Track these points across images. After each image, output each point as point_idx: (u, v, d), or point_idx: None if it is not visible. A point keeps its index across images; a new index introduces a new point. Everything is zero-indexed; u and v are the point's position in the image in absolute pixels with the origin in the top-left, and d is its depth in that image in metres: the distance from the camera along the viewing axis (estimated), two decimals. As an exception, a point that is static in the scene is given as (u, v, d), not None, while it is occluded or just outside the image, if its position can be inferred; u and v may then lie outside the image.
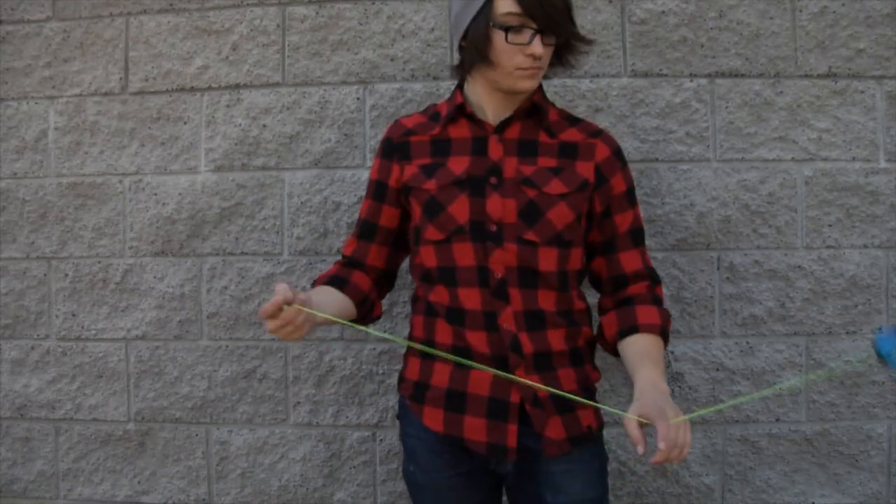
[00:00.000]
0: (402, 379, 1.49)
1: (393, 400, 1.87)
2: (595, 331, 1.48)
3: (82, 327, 1.95)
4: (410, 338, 1.48)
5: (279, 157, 1.87)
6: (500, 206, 1.35)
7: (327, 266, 1.85)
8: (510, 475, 1.41)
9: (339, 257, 1.85)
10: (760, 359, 1.82)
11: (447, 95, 1.82)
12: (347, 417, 1.88)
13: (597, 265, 1.45)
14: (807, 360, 1.82)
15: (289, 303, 1.20)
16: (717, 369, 1.82)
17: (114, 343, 1.94)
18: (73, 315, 1.96)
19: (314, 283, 1.48)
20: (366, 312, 1.49)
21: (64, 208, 1.95)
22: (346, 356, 1.88)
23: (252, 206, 1.88)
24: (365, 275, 1.49)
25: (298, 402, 1.89)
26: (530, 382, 1.32)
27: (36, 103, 1.95)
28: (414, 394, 1.44)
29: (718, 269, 1.81)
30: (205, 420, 1.92)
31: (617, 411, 1.31)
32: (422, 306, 1.44)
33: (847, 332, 1.82)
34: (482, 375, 1.36)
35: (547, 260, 1.35)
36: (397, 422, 1.70)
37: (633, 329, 1.37)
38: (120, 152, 1.93)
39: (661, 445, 1.13)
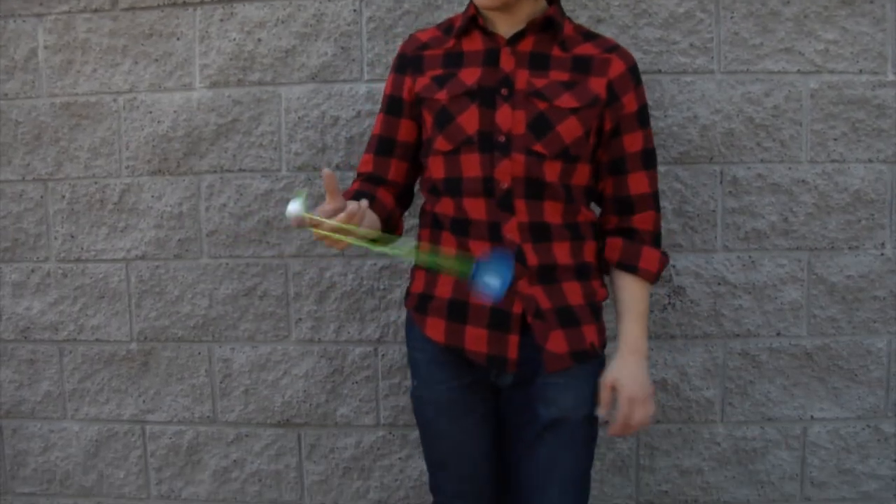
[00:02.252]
0: (408, 293, 1.57)
1: (394, 315, 1.96)
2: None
3: (82, 248, 2.02)
4: (418, 252, 1.54)
5: (275, 72, 1.91)
6: (509, 118, 1.39)
7: (326, 182, 1.92)
8: (507, 387, 1.49)
9: (338, 171, 1.91)
10: (762, 273, 1.89)
11: (445, 7, 1.85)
12: (349, 333, 1.97)
13: (602, 184, 1.50)
14: (808, 274, 1.89)
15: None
16: (719, 283, 1.89)
17: (114, 263, 2.02)
18: (72, 237, 2.03)
19: None
20: (390, 230, 1.53)
21: (58, 129, 2.00)
22: (346, 272, 1.96)
23: (249, 122, 1.93)
24: (387, 191, 1.53)
25: (300, 319, 1.98)
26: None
27: (24, 21, 1.98)
28: (418, 305, 1.51)
29: (721, 182, 1.87)
30: (207, 338, 2.01)
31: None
32: (428, 219, 1.50)
33: (850, 248, 1.88)
34: None
35: (552, 172, 1.40)
36: (400, 337, 1.78)
37: (632, 269, 1.47)
38: (113, 70, 1.97)
39: (613, 430, 1.47)
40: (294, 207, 1.24)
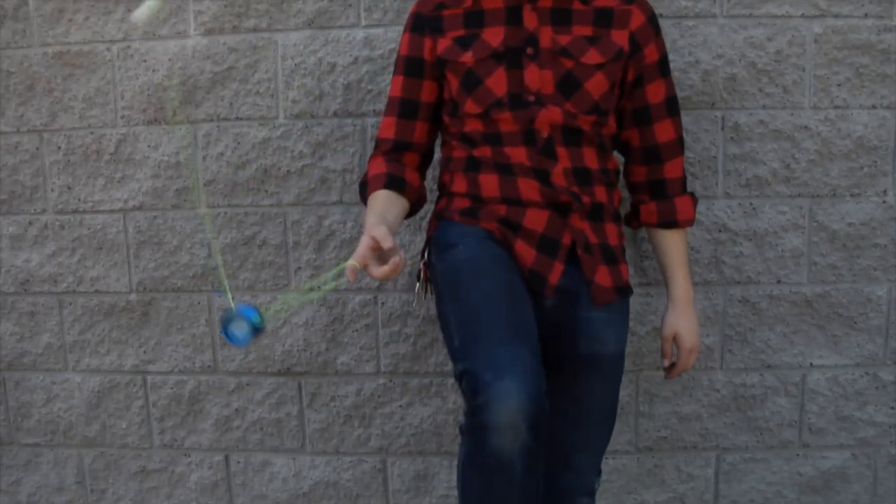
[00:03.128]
0: (443, 210, 1.53)
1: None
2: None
3: (79, 200, 2.04)
4: (449, 195, 1.53)
5: (271, 18, 1.91)
6: (537, 78, 1.42)
7: (324, 129, 1.94)
8: (545, 318, 1.45)
9: (336, 119, 1.92)
10: (763, 220, 1.91)
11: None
12: (348, 281, 1.99)
13: (628, 135, 1.56)
14: (810, 221, 1.91)
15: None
16: (720, 230, 1.91)
17: (111, 214, 2.04)
18: (69, 188, 2.04)
19: (369, 183, 1.51)
20: (417, 207, 1.59)
21: (51, 79, 2.00)
22: (345, 220, 1.97)
23: (245, 69, 1.93)
24: (414, 157, 1.55)
25: (299, 268, 2.00)
26: None
27: (13, -32, 1.98)
28: (465, 211, 1.49)
29: (723, 128, 1.88)
30: (206, 288, 2.04)
31: None
32: (460, 163, 1.50)
33: (851, 195, 1.90)
34: (538, 215, 1.45)
35: (586, 124, 1.45)
36: (400, 285, 1.80)
37: (672, 224, 1.58)
38: (106, 18, 1.96)
39: (672, 375, 1.67)
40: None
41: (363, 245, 1.28)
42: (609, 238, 1.50)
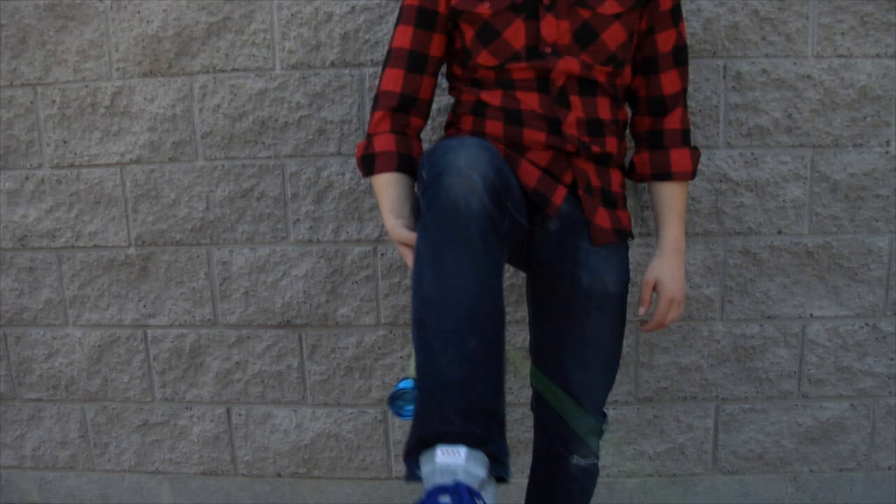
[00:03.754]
0: (454, 123, 1.54)
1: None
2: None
3: (75, 154, 2.04)
4: (457, 130, 1.53)
5: (266, -33, 1.89)
6: (554, 29, 1.41)
7: (321, 80, 1.92)
8: (545, 245, 1.48)
9: (334, 69, 1.90)
10: (765, 170, 1.91)
11: None
12: (348, 233, 2.00)
13: (636, 83, 1.55)
14: (812, 172, 1.91)
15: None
16: (721, 181, 1.91)
17: (108, 168, 2.04)
18: (65, 142, 2.04)
19: (377, 158, 1.46)
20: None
21: (44, 31, 1.98)
22: (344, 171, 1.97)
23: (240, 20, 1.92)
24: (417, 118, 1.52)
25: (298, 220, 2.01)
26: None
27: (4, -83, 1.95)
28: (473, 132, 1.49)
29: (725, 77, 1.87)
30: (205, 241, 2.04)
31: None
32: (468, 107, 1.49)
33: (854, 145, 1.89)
34: (542, 155, 1.44)
35: (601, 75, 1.44)
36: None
37: (665, 176, 1.55)
38: (98, -32, 1.94)
39: (649, 326, 1.60)
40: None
41: (405, 254, 1.39)
42: (612, 184, 1.51)
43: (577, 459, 1.58)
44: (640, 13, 1.46)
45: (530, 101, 1.43)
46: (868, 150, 1.90)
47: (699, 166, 1.91)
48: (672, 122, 1.55)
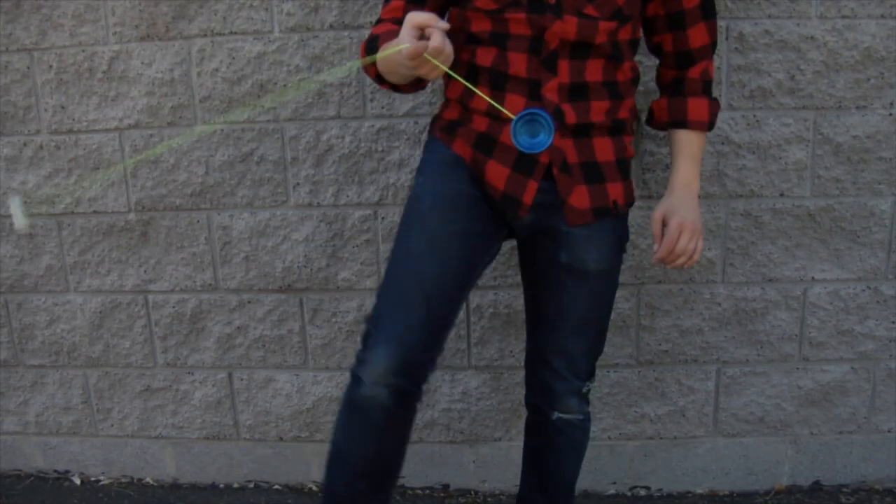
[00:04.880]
0: (437, 118, 1.57)
1: (393, 177, 1.99)
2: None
3: (73, 119, 2.04)
4: (446, 100, 1.55)
5: (263, -74, 1.88)
6: None
7: (320, 43, 1.92)
8: (524, 229, 1.52)
9: (332, 31, 1.90)
10: (767, 133, 1.91)
11: None
12: (348, 196, 2.01)
13: (660, 38, 1.53)
14: (814, 134, 1.91)
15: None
16: (723, 143, 1.91)
17: (107, 133, 2.04)
18: (63, 108, 2.04)
19: (380, 37, 1.42)
20: (420, 81, 1.48)
21: (40, -5, 1.98)
22: (343, 134, 1.98)
23: (238, -19, 1.91)
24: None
25: (298, 184, 2.02)
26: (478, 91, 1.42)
27: None
28: (446, 127, 1.51)
29: (727, 38, 1.86)
30: (205, 206, 2.05)
31: None
32: (461, 70, 1.47)
33: (857, 107, 1.89)
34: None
35: (603, 33, 1.40)
36: (400, 199, 1.81)
37: (681, 124, 1.54)
38: (93, -71, 1.93)
39: (659, 253, 1.52)
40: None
41: (404, 31, 1.28)
42: (598, 154, 1.46)
43: (558, 415, 1.63)
44: None
45: (518, 63, 1.41)
46: (871, 113, 1.89)
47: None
48: (695, 72, 1.53)
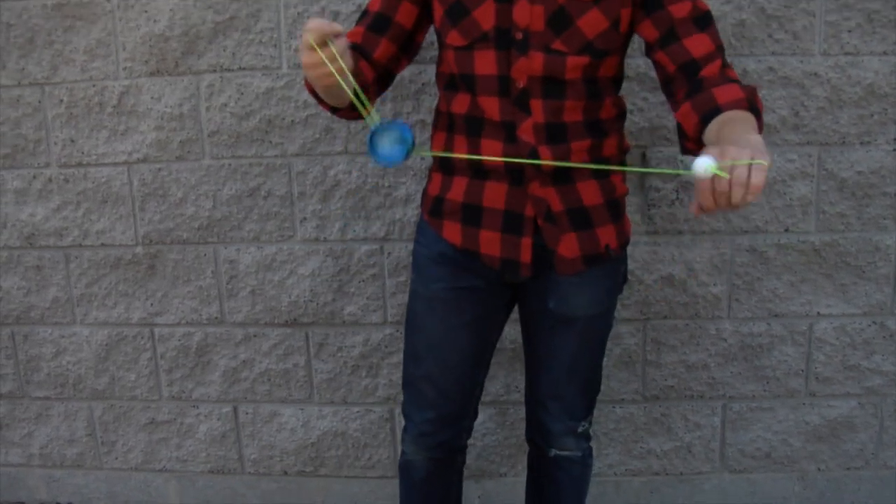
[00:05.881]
0: (424, 194, 1.58)
1: (400, 212, 1.99)
2: (624, 141, 1.51)
3: (82, 153, 2.05)
4: (430, 172, 1.56)
5: (273, -35, 1.90)
6: (527, 13, 1.33)
7: (328, 79, 1.93)
8: (524, 286, 1.53)
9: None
10: (772, 168, 1.91)
11: None
12: (354, 231, 2.01)
13: (660, 58, 1.36)
14: (819, 170, 1.91)
15: (336, 35, 1.15)
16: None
17: (116, 167, 2.05)
18: (72, 141, 2.05)
19: None
20: (377, 88, 1.47)
21: (52, 31, 2.00)
22: (350, 170, 1.98)
23: (247, 18, 1.93)
24: (370, 67, 1.48)
25: (305, 218, 2.02)
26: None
27: (12, -83, 1.96)
28: (432, 209, 1.52)
29: (731, 75, 1.87)
30: (212, 239, 2.06)
31: (664, 170, 1.42)
32: (443, 121, 1.48)
33: (861, 143, 1.90)
34: (497, 188, 1.41)
35: (575, 69, 1.35)
36: (406, 234, 1.81)
37: (715, 111, 1.23)
38: (105, -33, 1.96)
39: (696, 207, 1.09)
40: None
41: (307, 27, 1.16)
42: (584, 199, 1.42)
43: (555, 452, 1.63)
44: None
45: (491, 106, 1.38)
46: (875, 148, 1.90)
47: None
48: (708, 71, 1.31)
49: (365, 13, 1.49)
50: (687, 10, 1.34)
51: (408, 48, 1.51)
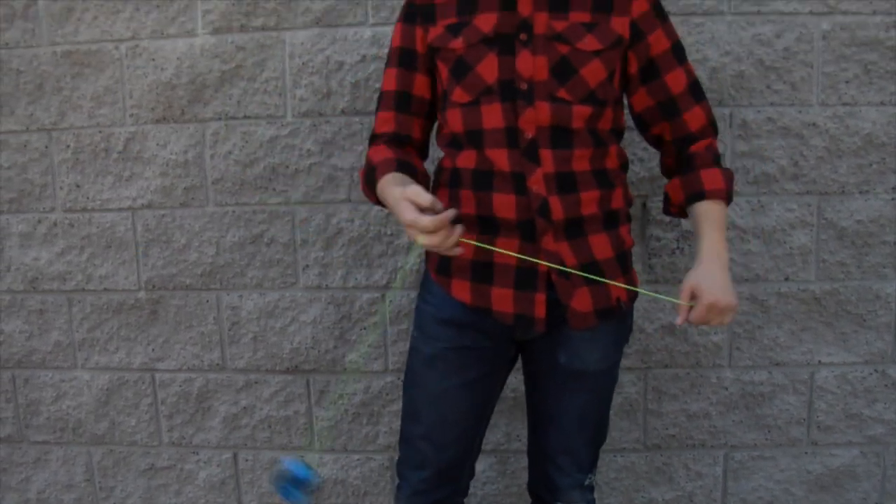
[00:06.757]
0: (428, 251, 1.54)
1: (402, 260, 1.99)
2: (628, 192, 1.53)
3: (87, 198, 2.05)
4: None
5: (278, 17, 1.92)
6: (530, 64, 1.35)
7: (332, 128, 1.95)
8: (531, 342, 1.51)
9: (344, 117, 1.93)
10: (771, 217, 1.91)
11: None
12: (356, 279, 2.01)
13: (659, 129, 1.48)
14: (818, 219, 1.91)
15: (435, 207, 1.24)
16: (729, 228, 1.91)
17: (120, 213, 2.05)
18: (78, 186, 2.05)
19: (377, 168, 1.43)
20: None
21: (60, 78, 2.01)
22: (353, 218, 1.98)
23: (253, 68, 1.94)
24: (415, 152, 1.51)
25: (307, 266, 2.01)
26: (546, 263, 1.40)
27: (23, -32, 1.99)
28: (439, 267, 1.48)
29: (731, 125, 1.88)
30: (215, 286, 2.05)
31: (655, 294, 1.48)
32: (447, 176, 1.48)
33: (860, 192, 1.90)
34: (508, 245, 1.39)
35: (580, 118, 1.37)
36: (408, 283, 1.80)
37: (699, 196, 1.42)
38: (114, 17, 1.98)
39: (680, 321, 1.36)
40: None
41: (406, 210, 1.23)
42: (596, 253, 1.42)
43: None
44: (624, 53, 1.41)
45: (500, 159, 1.38)
46: (874, 197, 1.90)
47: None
48: (699, 147, 1.46)
49: (383, 95, 1.50)
50: (683, 82, 1.44)
51: (432, 116, 1.53)
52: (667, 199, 1.51)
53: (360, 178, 1.55)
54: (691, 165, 1.45)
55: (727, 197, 1.44)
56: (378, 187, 1.42)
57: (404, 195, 1.24)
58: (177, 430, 2.14)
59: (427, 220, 1.21)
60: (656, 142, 1.52)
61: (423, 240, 1.23)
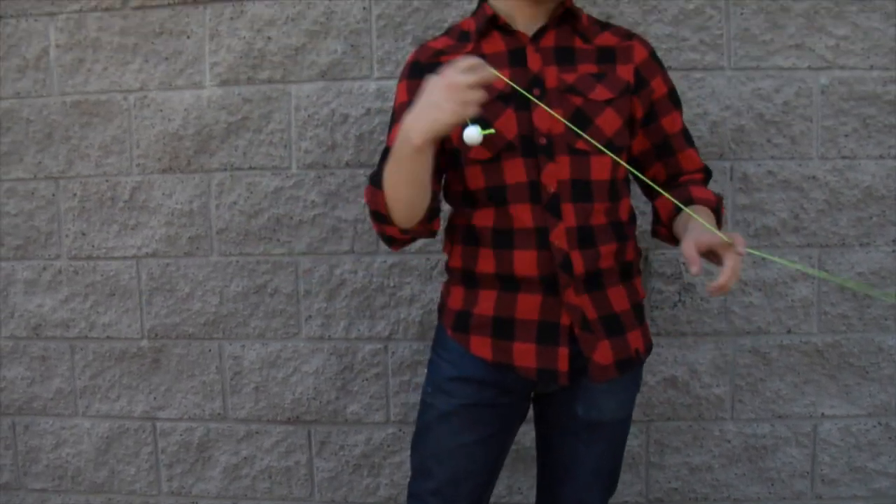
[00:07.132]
0: (443, 308, 1.52)
1: (404, 312, 1.99)
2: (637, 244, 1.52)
3: (93, 246, 2.06)
4: (447, 269, 1.51)
5: (285, 70, 1.95)
6: (547, 117, 1.35)
7: (336, 179, 1.96)
8: (548, 395, 1.50)
9: (348, 169, 1.95)
10: (773, 270, 1.91)
11: (455, 4, 1.88)
12: (359, 330, 2.00)
13: (653, 171, 1.48)
14: (819, 271, 1.91)
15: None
16: (728, 280, 1.91)
17: (125, 261, 2.06)
18: (83, 234, 2.06)
19: (384, 159, 1.40)
20: (430, 219, 1.45)
21: (69, 127, 2.04)
22: (356, 269, 1.99)
23: (259, 119, 1.96)
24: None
25: (310, 316, 2.01)
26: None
27: (35, 20, 2.02)
28: (456, 324, 1.47)
29: (731, 179, 1.89)
30: (217, 335, 2.05)
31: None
32: (461, 234, 1.47)
33: (861, 244, 1.90)
34: (530, 300, 1.39)
35: (600, 169, 1.38)
36: (410, 334, 1.79)
37: (688, 201, 1.40)
38: (123, 69, 2.00)
39: (719, 283, 1.20)
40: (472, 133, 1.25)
41: (441, 78, 1.22)
42: (615, 305, 1.42)
43: None
44: (632, 99, 1.43)
45: (523, 214, 1.37)
46: (875, 250, 1.90)
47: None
48: (689, 177, 1.49)
49: (388, 150, 1.45)
50: (678, 125, 1.48)
51: (438, 174, 1.49)
52: (656, 217, 1.49)
53: (364, 193, 1.50)
54: (682, 185, 1.46)
55: (715, 206, 1.42)
56: (386, 168, 1.36)
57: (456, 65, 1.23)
58: (177, 479, 2.13)
59: (465, 63, 1.22)
60: (649, 190, 1.50)
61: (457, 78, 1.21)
